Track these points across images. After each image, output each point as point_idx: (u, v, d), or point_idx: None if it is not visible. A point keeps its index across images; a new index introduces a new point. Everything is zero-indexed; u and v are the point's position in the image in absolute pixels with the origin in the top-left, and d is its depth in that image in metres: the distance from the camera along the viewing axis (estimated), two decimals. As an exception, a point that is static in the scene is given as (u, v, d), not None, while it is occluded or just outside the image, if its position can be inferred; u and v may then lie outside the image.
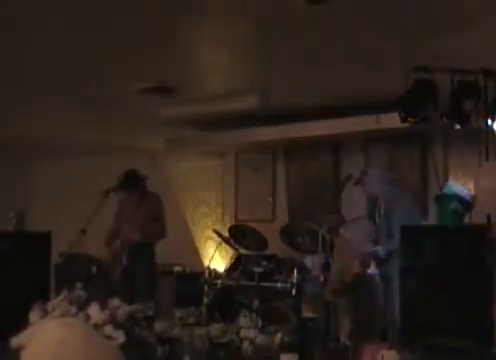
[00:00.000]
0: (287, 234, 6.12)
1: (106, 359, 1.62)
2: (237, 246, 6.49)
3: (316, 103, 6.51)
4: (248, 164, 8.28)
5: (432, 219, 6.25)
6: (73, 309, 3.10)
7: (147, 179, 6.43)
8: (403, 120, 4.60)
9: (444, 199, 5.31)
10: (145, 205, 6.36)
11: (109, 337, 2.67)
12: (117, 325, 2.84)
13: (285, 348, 2.64)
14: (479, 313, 4.06)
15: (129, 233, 6.23)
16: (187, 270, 7.70)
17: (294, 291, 5.49)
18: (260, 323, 5.07)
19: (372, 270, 5.22)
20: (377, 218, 5.43)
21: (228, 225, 7.51)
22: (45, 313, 3.09)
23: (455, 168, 6.57)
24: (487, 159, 4.31)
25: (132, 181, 6.33)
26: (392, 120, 5.43)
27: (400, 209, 5.27)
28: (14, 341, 1.67)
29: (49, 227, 5.76)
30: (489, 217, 3.95)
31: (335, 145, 7.54)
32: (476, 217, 4.71)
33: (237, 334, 3.60)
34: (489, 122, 4.32)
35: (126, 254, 6.18)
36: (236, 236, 6.43)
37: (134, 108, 6.81)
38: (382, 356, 2.07)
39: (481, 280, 4.01)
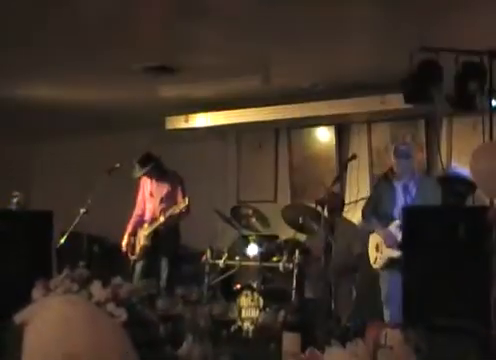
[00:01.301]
0: (289, 215, 6.12)
1: (110, 336, 1.62)
2: (239, 226, 6.49)
3: (320, 83, 6.48)
4: (250, 144, 8.27)
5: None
6: (75, 287, 3.12)
7: (161, 158, 6.46)
8: (407, 101, 4.58)
9: (447, 180, 5.29)
10: (166, 183, 6.39)
11: (111, 315, 2.68)
12: (119, 303, 2.86)
13: (288, 327, 2.64)
14: (479, 294, 4.07)
15: (153, 215, 6.28)
16: (189, 250, 7.71)
17: (296, 272, 5.49)
18: (261, 303, 5.09)
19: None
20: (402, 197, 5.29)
21: (230, 205, 7.51)
22: (48, 290, 3.11)
23: (459, 150, 6.55)
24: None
25: (151, 164, 6.36)
26: (396, 101, 5.41)
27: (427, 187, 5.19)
28: (17, 317, 1.67)
29: (51, 207, 5.76)
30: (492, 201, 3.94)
31: (338, 125, 7.52)
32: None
33: (239, 314, 3.62)
34: (493, 104, 4.29)
35: (151, 235, 6.25)
36: (238, 216, 6.43)
37: (136, 87, 6.79)
38: (386, 334, 2.07)
39: (481, 262, 4.00)
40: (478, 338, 3.04)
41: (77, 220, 6.11)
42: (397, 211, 5.10)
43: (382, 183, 5.41)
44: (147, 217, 6.45)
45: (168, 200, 6.34)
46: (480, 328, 3.42)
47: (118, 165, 6.34)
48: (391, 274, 5.08)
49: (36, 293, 3.13)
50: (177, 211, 6.17)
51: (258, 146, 8.20)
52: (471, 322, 3.44)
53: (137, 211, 6.57)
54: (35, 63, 5.95)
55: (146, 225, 6.38)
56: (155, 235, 6.27)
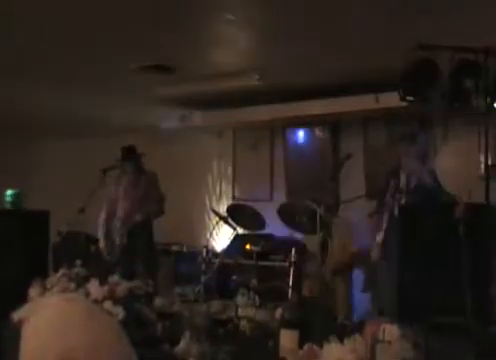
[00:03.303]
0: (285, 213, 6.12)
1: (108, 334, 1.62)
2: (235, 225, 6.49)
3: (315, 82, 6.48)
4: (246, 143, 8.27)
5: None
6: (72, 285, 3.12)
7: (144, 157, 6.42)
8: (402, 99, 4.57)
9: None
10: (142, 183, 6.35)
11: (109, 313, 2.68)
12: (116, 301, 2.86)
13: (286, 324, 2.64)
14: (478, 291, 4.07)
15: (128, 212, 6.23)
16: (185, 249, 7.72)
17: (292, 270, 5.50)
18: (258, 302, 5.09)
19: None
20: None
21: (226, 204, 7.51)
22: (44, 289, 3.11)
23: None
24: (486, 139, 4.29)
25: (129, 158, 6.32)
26: (391, 99, 5.40)
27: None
28: (15, 315, 1.67)
29: (48, 206, 5.76)
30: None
31: (334, 124, 7.53)
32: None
33: (236, 312, 3.61)
34: (489, 102, 4.29)
35: (126, 234, 6.20)
36: (234, 215, 6.43)
37: (133, 86, 6.78)
38: (384, 330, 2.08)
39: (481, 257, 4.02)
40: (476, 335, 3.05)
41: (73, 219, 6.10)
42: None
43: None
44: (119, 215, 6.37)
45: (144, 199, 6.30)
46: (478, 325, 3.42)
47: (114, 165, 6.33)
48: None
49: (33, 292, 3.14)
50: (155, 210, 6.17)
51: (254, 145, 8.21)
52: (469, 319, 3.45)
53: (108, 209, 6.43)
54: (31, 63, 5.95)
55: (119, 224, 6.34)
56: (130, 234, 6.23)
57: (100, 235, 6.41)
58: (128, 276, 5.72)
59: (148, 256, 6.27)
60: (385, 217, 5.22)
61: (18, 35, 5.16)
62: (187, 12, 4.57)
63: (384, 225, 5.24)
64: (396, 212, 5.06)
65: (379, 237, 5.25)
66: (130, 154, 6.35)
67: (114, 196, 6.45)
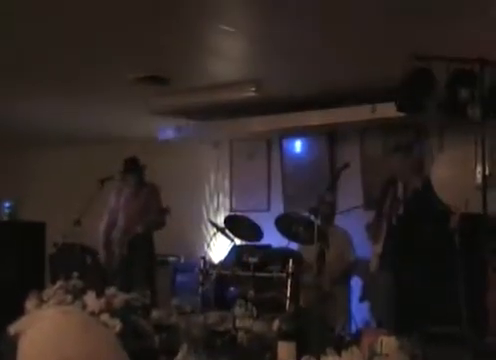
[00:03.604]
0: (282, 224, 6.12)
1: (104, 346, 1.62)
2: (232, 236, 6.48)
3: (312, 93, 6.49)
4: (243, 153, 8.28)
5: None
6: (69, 298, 3.10)
7: (146, 169, 6.43)
8: (399, 109, 4.59)
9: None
10: (143, 195, 6.35)
11: (105, 325, 2.67)
12: (113, 313, 2.85)
13: (283, 336, 2.63)
14: (473, 301, 4.08)
15: (129, 224, 6.23)
16: (182, 260, 7.71)
17: (290, 281, 5.48)
18: (255, 313, 5.07)
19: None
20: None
21: (223, 215, 7.51)
22: (41, 302, 3.09)
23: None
24: (483, 149, 4.30)
25: (132, 170, 6.33)
26: (388, 110, 5.42)
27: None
28: (12, 328, 1.66)
29: (44, 217, 5.75)
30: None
31: (331, 134, 7.54)
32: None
33: (233, 323, 3.59)
34: (485, 112, 4.30)
35: (126, 245, 6.20)
36: (231, 226, 6.42)
37: (129, 97, 6.79)
38: (381, 341, 2.07)
39: (476, 267, 4.02)
40: (473, 345, 3.05)
41: (69, 231, 6.08)
42: None
43: None
44: (120, 226, 6.36)
45: (145, 210, 6.30)
46: (474, 335, 3.42)
47: (112, 176, 6.33)
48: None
49: (29, 304, 3.12)
50: (156, 221, 6.17)
51: (251, 155, 8.21)
52: (466, 329, 3.45)
53: (109, 219, 6.44)
54: (29, 71, 5.96)
55: (119, 234, 6.31)
56: (130, 245, 6.21)
57: (100, 245, 6.40)
58: (126, 287, 5.74)
59: (148, 267, 6.26)
60: (383, 227, 5.23)
61: (18, 44, 5.17)
62: (183, 23, 4.58)
63: (382, 235, 5.24)
64: (394, 222, 5.07)
65: (377, 247, 5.25)
66: (133, 166, 6.35)
67: (115, 207, 6.45)
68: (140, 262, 6.18)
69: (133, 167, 6.35)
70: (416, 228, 4.67)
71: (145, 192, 6.37)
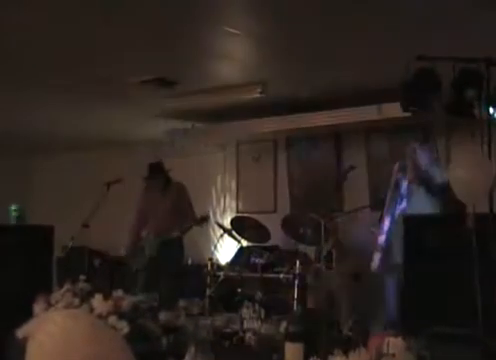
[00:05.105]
0: (289, 225, 6.12)
1: (112, 349, 1.62)
2: (239, 238, 6.49)
3: (318, 94, 6.49)
4: (249, 155, 8.28)
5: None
6: (76, 301, 3.12)
7: (170, 172, 6.48)
8: (404, 110, 4.58)
9: (447, 188, 5.29)
10: (170, 195, 6.38)
11: (113, 328, 2.68)
12: (121, 316, 2.86)
13: (290, 337, 2.64)
14: (483, 302, 4.06)
15: (161, 226, 6.24)
16: (189, 262, 7.71)
17: (297, 282, 5.49)
18: (263, 314, 5.08)
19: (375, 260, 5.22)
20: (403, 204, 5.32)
21: (230, 217, 7.51)
22: (49, 305, 3.11)
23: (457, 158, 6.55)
24: (489, 150, 4.28)
25: (157, 175, 6.37)
26: (394, 110, 5.41)
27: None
28: (20, 332, 1.67)
29: (51, 221, 5.75)
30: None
31: (337, 136, 7.54)
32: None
33: (241, 325, 3.61)
34: (491, 112, 4.29)
35: (156, 246, 6.21)
36: (238, 228, 6.43)
37: (135, 100, 6.81)
38: (388, 343, 2.07)
39: (485, 269, 4.00)
40: (481, 346, 3.03)
41: (77, 234, 6.09)
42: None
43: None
44: (151, 227, 6.41)
45: (176, 209, 6.32)
46: (482, 336, 3.41)
47: (118, 179, 6.34)
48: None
49: (37, 308, 3.13)
50: (195, 224, 6.20)
51: (257, 157, 8.22)
52: (474, 330, 3.43)
53: (139, 220, 6.52)
54: (32, 76, 5.98)
55: (151, 235, 6.34)
56: (162, 246, 6.23)
57: (127, 242, 6.44)
58: (149, 287, 5.78)
59: (176, 272, 6.27)
60: (388, 224, 5.22)
61: (18, 52, 5.19)
62: (190, 26, 4.59)
63: (387, 234, 5.23)
64: (400, 221, 5.06)
65: (383, 246, 5.24)
66: (158, 171, 6.40)
67: (144, 207, 6.50)
68: (170, 265, 6.20)
69: (158, 173, 6.40)
70: (424, 227, 4.65)
71: (172, 192, 6.41)
